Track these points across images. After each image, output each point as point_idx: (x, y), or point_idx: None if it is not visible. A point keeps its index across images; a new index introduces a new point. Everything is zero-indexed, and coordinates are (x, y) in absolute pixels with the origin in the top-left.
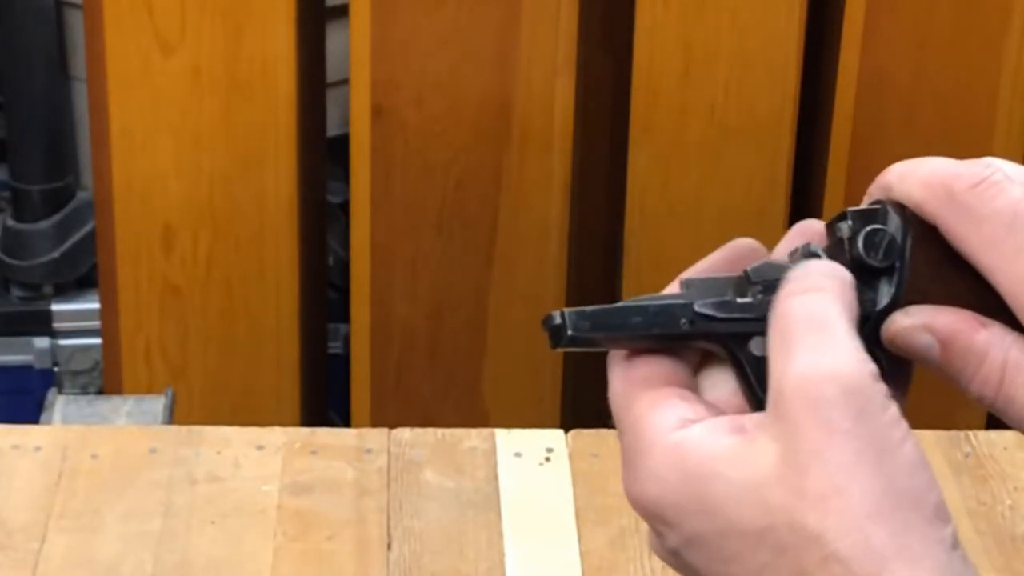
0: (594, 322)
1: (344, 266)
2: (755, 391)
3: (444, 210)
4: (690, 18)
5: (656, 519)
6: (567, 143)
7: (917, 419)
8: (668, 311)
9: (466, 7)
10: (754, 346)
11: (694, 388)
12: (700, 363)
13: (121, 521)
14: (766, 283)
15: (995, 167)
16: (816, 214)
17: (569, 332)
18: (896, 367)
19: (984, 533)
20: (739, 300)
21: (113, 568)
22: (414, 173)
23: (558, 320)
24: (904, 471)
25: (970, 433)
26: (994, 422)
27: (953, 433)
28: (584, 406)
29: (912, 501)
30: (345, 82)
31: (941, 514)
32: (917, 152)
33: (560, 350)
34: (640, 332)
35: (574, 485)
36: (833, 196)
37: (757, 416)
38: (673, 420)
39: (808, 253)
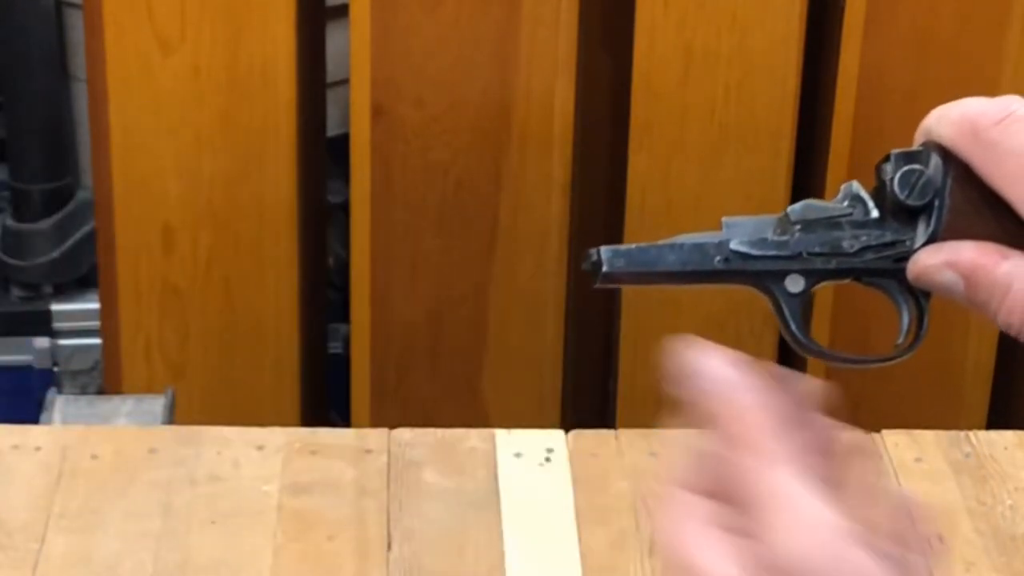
0: (629, 259)
1: (344, 266)
2: (791, 329)
3: (444, 210)
4: (690, 18)
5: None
6: (567, 143)
7: (917, 419)
8: (703, 249)
9: (466, 7)
10: (790, 283)
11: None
12: None
13: (121, 521)
14: (805, 223)
15: (1021, 102)
16: None
17: (605, 268)
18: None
19: (984, 533)
20: (775, 238)
21: (113, 568)
22: (414, 173)
23: (595, 257)
24: None
25: (970, 433)
26: (994, 422)
27: (953, 433)
28: (584, 406)
29: None
30: (345, 82)
31: None
32: None
33: (600, 286)
34: (674, 269)
35: (574, 485)
36: (833, 196)
37: None
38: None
39: (851, 194)
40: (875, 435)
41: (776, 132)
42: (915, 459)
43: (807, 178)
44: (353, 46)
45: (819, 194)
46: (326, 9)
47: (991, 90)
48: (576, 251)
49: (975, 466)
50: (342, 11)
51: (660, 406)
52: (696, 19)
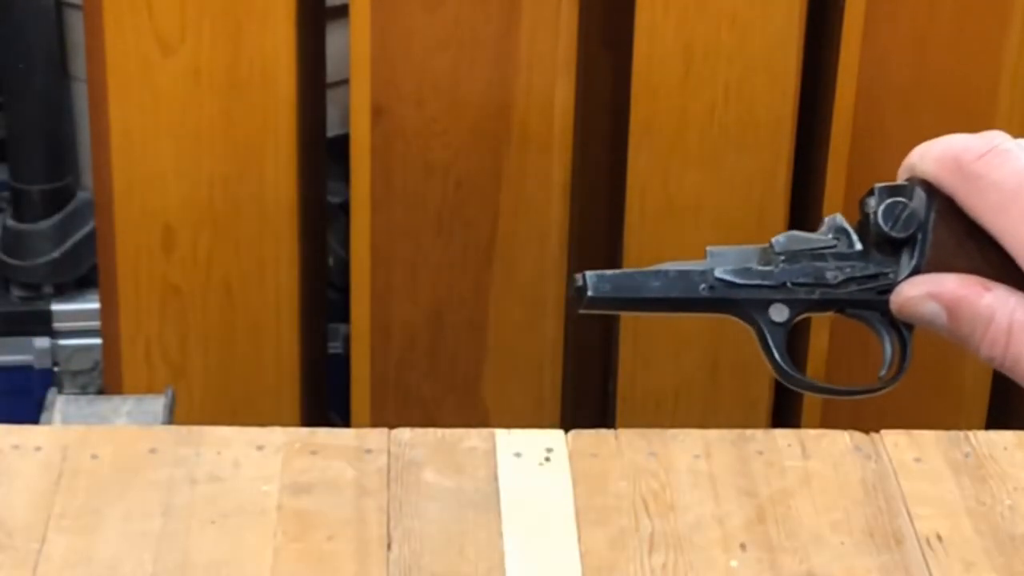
0: (615, 284)
1: (344, 266)
2: (775, 358)
3: (444, 210)
4: (690, 18)
5: None
6: (567, 143)
7: (917, 419)
8: (688, 276)
9: (466, 7)
10: (774, 313)
11: None
12: None
13: (121, 521)
14: (789, 254)
15: (1003, 137)
16: (816, 214)
17: (590, 294)
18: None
19: (984, 533)
20: (759, 268)
21: (113, 568)
22: (414, 173)
23: (580, 282)
24: None
25: (970, 433)
26: (994, 422)
27: (953, 433)
28: (584, 406)
29: None
30: (345, 82)
31: None
32: None
33: (584, 312)
34: (659, 295)
35: (574, 485)
36: (833, 196)
37: None
38: None
39: (835, 227)
40: (875, 435)
41: (776, 132)
42: (915, 459)
43: (807, 178)
44: (353, 46)
45: (818, 193)
46: (326, 9)
47: (991, 90)
48: (576, 251)
49: (975, 466)
50: (342, 11)
51: (660, 406)
52: (696, 19)
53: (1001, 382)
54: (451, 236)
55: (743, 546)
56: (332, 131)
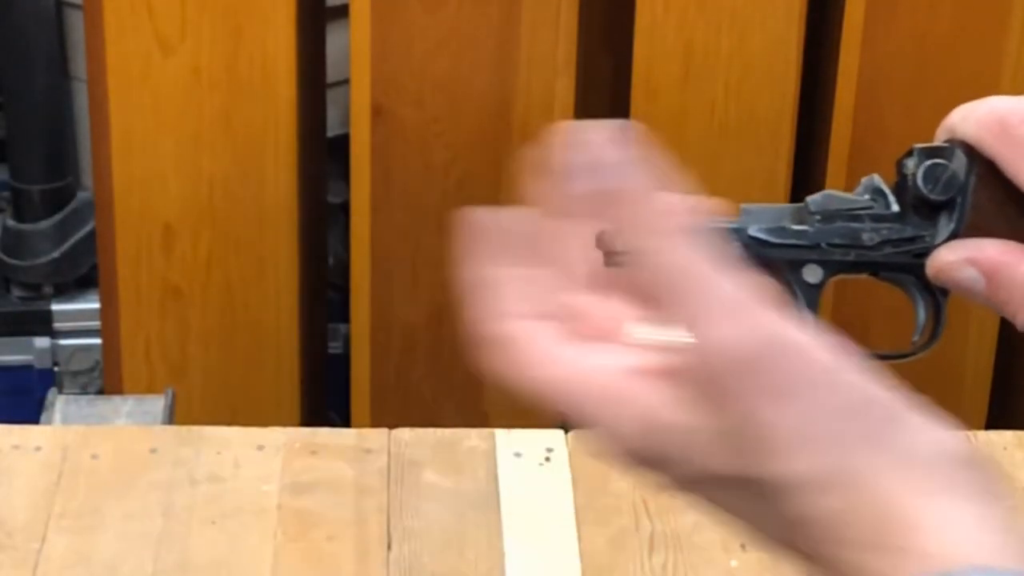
0: None
1: (344, 266)
2: (808, 319)
3: (444, 210)
4: (690, 18)
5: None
6: None
7: None
8: (720, 235)
9: (466, 7)
10: (807, 273)
11: None
12: None
13: (121, 521)
14: (825, 213)
15: None
16: None
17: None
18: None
19: None
20: (794, 227)
21: (113, 568)
22: (414, 173)
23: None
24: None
25: (970, 433)
26: (994, 422)
27: None
28: None
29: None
30: (345, 82)
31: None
32: None
33: (611, 266)
34: None
35: (574, 485)
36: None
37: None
38: None
39: (872, 187)
40: None
41: (776, 132)
42: None
43: (807, 178)
44: (353, 46)
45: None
46: (326, 9)
47: (991, 91)
48: None
49: None
50: (342, 11)
51: None
52: (696, 19)
53: (1001, 382)
54: (451, 236)
55: (743, 546)
56: (332, 131)
